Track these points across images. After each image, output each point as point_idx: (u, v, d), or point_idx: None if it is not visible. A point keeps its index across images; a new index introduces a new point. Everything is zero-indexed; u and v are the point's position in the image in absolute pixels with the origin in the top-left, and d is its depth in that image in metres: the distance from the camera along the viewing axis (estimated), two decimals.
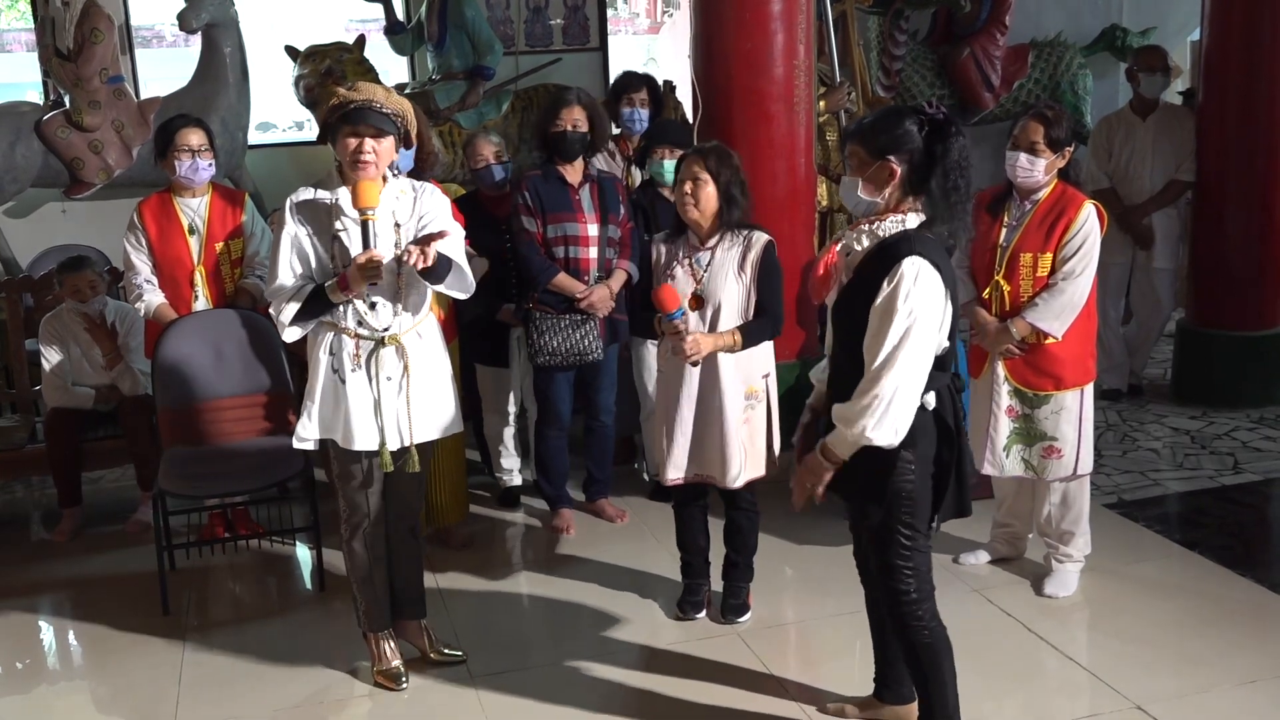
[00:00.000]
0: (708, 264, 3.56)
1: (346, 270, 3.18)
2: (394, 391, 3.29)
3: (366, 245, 3.15)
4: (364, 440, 3.30)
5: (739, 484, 3.63)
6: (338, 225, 3.24)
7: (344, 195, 3.23)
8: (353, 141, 3.16)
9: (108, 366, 4.79)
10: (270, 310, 3.31)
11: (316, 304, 3.22)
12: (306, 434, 3.35)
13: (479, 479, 5.06)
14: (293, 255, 3.24)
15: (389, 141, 3.21)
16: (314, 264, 3.25)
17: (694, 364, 3.51)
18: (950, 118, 2.69)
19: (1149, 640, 3.63)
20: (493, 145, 4.68)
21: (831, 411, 2.74)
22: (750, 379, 3.62)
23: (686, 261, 3.59)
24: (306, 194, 3.26)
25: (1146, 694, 3.31)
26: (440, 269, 3.17)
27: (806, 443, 2.95)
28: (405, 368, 3.30)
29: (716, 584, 3.91)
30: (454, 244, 3.27)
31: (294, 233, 3.23)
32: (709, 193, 3.52)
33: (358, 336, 3.27)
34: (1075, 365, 3.81)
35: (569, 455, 4.70)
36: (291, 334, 3.28)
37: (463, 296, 3.41)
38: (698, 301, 3.55)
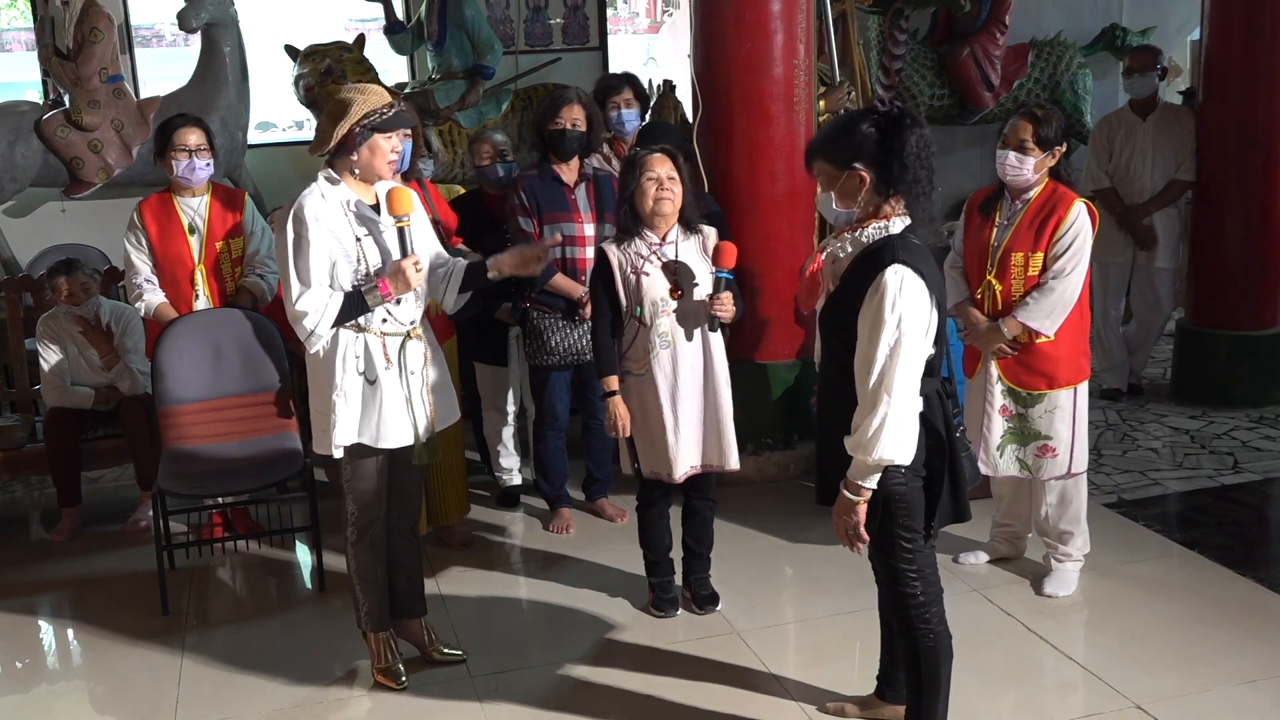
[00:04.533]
0: (675, 257, 3.66)
1: (386, 275, 3.21)
2: (419, 384, 3.36)
3: (405, 251, 3.22)
4: (397, 437, 3.33)
5: (738, 464, 3.79)
6: (360, 229, 3.24)
7: (355, 197, 3.26)
8: (390, 143, 3.21)
9: (105, 368, 4.79)
10: (302, 321, 3.19)
11: (350, 310, 3.22)
12: (340, 439, 3.29)
13: (479, 478, 5.06)
14: (322, 263, 3.19)
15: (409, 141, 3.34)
16: (336, 270, 3.23)
17: (714, 328, 3.66)
18: (905, 110, 2.68)
19: (1149, 640, 3.63)
20: (496, 144, 4.68)
21: (845, 445, 2.67)
22: (727, 364, 3.78)
23: (653, 258, 3.65)
24: (318, 199, 3.22)
25: (1146, 693, 3.31)
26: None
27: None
28: (426, 358, 3.38)
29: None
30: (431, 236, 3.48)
31: (321, 240, 3.19)
32: (680, 190, 3.64)
33: (384, 335, 3.29)
34: (1068, 364, 3.81)
35: (568, 455, 4.70)
36: (322, 344, 3.25)
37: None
38: (679, 292, 3.64)
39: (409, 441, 3.35)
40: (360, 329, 3.27)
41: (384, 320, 3.28)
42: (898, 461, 2.63)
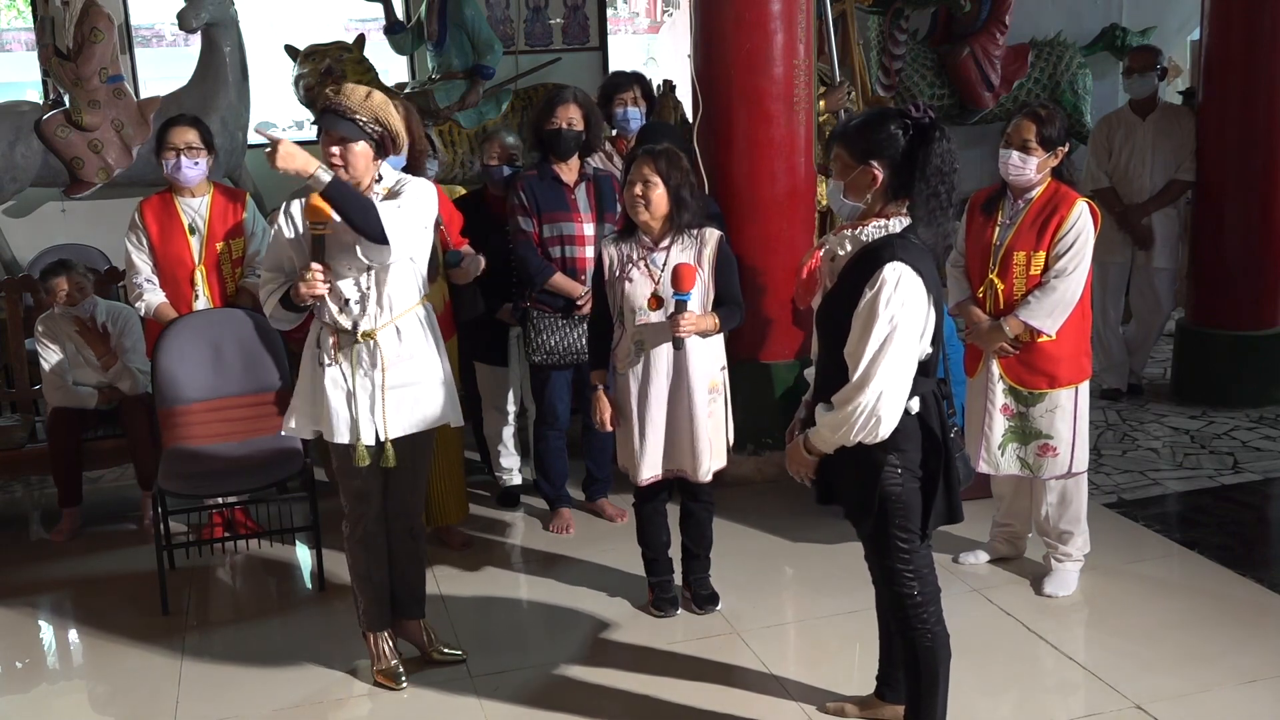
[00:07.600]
0: (663, 264, 3.60)
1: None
2: (368, 387, 3.30)
3: (315, 258, 3.17)
4: (342, 433, 3.33)
5: (709, 477, 3.71)
6: (318, 225, 3.22)
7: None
8: (323, 144, 3.20)
9: (102, 369, 4.79)
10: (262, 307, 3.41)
11: (286, 304, 3.28)
12: (292, 424, 3.43)
13: (479, 478, 5.06)
14: (277, 252, 3.32)
15: (360, 147, 3.16)
16: (297, 262, 3.26)
17: (678, 347, 3.56)
18: (935, 121, 2.64)
19: (1149, 639, 3.63)
20: (507, 145, 4.66)
21: (815, 411, 2.75)
22: (712, 374, 3.70)
23: (642, 264, 3.62)
24: (302, 195, 3.26)
25: (1146, 693, 3.31)
26: (335, 192, 3.08)
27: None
28: (380, 364, 3.28)
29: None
30: (389, 211, 3.15)
31: (280, 232, 3.29)
32: (659, 195, 3.56)
33: (337, 331, 3.29)
34: (1070, 363, 3.81)
35: (568, 455, 4.70)
36: (277, 324, 3.40)
37: (373, 249, 3.16)
38: (658, 301, 3.59)
39: (347, 440, 3.31)
40: (321, 321, 3.33)
41: (332, 318, 3.28)
42: (864, 442, 2.67)
